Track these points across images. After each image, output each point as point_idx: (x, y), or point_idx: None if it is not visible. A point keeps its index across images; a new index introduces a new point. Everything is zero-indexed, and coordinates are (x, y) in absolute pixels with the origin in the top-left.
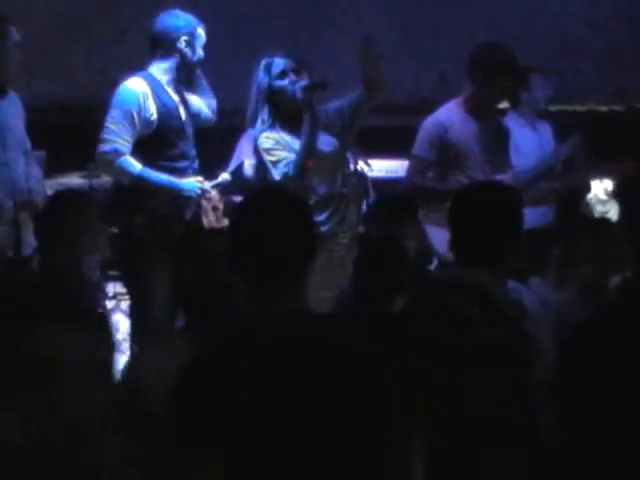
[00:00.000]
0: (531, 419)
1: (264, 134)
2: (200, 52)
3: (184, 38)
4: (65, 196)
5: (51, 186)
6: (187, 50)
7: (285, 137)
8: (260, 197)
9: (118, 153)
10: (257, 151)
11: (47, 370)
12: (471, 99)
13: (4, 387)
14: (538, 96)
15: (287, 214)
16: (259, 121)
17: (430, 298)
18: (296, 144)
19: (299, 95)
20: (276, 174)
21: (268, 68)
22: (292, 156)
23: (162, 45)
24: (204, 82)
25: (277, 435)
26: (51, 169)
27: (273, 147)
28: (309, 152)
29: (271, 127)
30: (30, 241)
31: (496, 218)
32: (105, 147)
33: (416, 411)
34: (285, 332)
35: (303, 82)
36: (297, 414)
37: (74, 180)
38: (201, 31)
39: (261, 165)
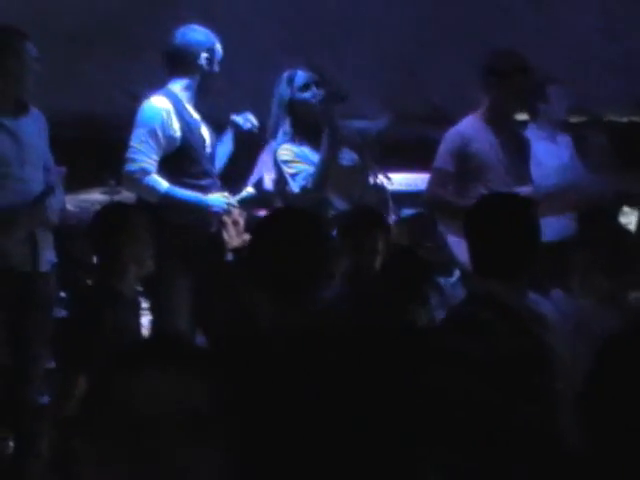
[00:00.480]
0: (555, 428)
1: (283, 146)
2: (216, 67)
3: (205, 54)
4: (118, 209)
5: (72, 202)
6: (207, 66)
7: (305, 150)
8: (279, 217)
9: (145, 172)
10: (276, 163)
11: None
12: (489, 109)
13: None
14: (556, 107)
15: (305, 234)
16: (280, 133)
17: (451, 311)
18: (315, 157)
19: (319, 107)
20: (294, 186)
21: (291, 80)
22: (311, 169)
23: (183, 61)
24: None
25: (293, 446)
26: (72, 185)
27: (292, 159)
28: (328, 165)
29: (292, 140)
30: (48, 257)
31: (513, 229)
32: (132, 167)
33: (437, 427)
34: (301, 345)
35: (322, 95)
36: (312, 424)
37: (95, 196)
38: (219, 46)
39: (281, 177)
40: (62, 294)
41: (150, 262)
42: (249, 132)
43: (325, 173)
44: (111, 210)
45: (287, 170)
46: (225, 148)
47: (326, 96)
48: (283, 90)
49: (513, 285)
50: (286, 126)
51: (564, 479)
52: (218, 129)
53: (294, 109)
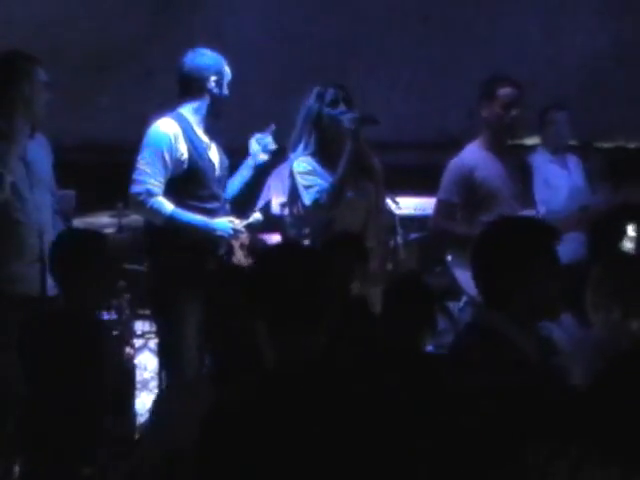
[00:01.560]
0: None
1: (302, 158)
2: (226, 90)
3: (213, 78)
4: (69, 238)
5: (80, 225)
6: (216, 90)
7: (320, 168)
8: (281, 252)
9: (150, 194)
10: (292, 175)
11: None
12: (487, 135)
13: None
14: (563, 131)
15: (307, 270)
16: (301, 146)
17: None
18: (329, 178)
19: (347, 125)
20: (307, 199)
21: (321, 96)
22: (325, 184)
23: (192, 85)
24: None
25: None
26: (80, 208)
27: (309, 172)
28: (344, 182)
29: (312, 154)
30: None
31: (507, 254)
32: (137, 188)
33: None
34: (305, 383)
35: (353, 114)
36: (318, 463)
37: (103, 219)
38: (227, 69)
39: (294, 190)
40: None
41: (110, 289)
42: (271, 154)
43: (340, 190)
44: (63, 239)
45: (302, 182)
46: (245, 173)
47: (360, 116)
48: (312, 104)
49: (510, 314)
50: (309, 139)
51: None
52: (230, 153)
53: (320, 124)
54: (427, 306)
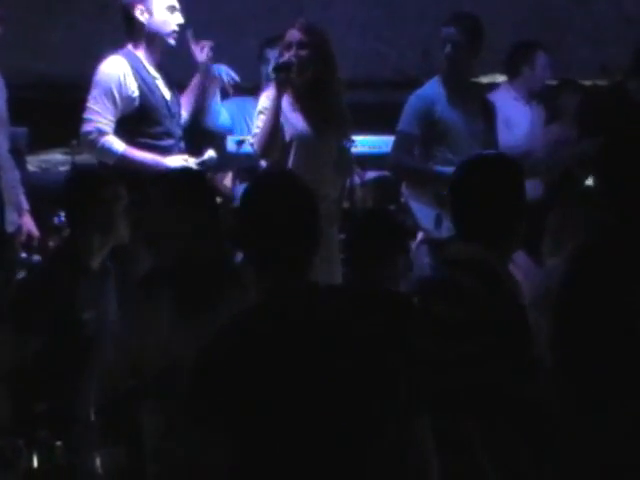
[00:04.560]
0: (529, 393)
1: (269, 92)
2: (165, 17)
3: (140, 6)
4: (86, 178)
5: (34, 162)
6: (144, 17)
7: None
8: (268, 183)
9: (101, 133)
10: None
11: None
12: (447, 72)
13: None
14: (539, 75)
15: (294, 201)
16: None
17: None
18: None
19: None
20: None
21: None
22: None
23: (125, 19)
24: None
25: (286, 408)
26: (34, 145)
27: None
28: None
29: None
30: (13, 218)
31: (502, 192)
32: (87, 127)
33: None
34: (293, 311)
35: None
36: (306, 388)
37: (57, 157)
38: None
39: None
40: (24, 255)
41: (123, 233)
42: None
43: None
44: (78, 178)
45: (256, 122)
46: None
47: (275, 64)
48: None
49: (498, 250)
50: None
51: (548, 442)
52: (182, 89)
53: None
54: (385, 239)
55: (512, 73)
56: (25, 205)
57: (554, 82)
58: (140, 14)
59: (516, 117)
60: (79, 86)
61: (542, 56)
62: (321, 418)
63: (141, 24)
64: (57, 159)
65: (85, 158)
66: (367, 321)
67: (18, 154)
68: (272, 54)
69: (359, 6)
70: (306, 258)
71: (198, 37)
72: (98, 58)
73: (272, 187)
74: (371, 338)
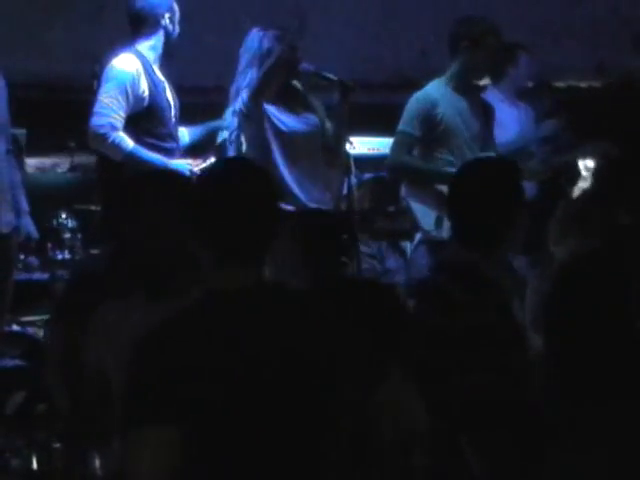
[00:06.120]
0: (521, 401)
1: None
2: (177, 28)
3: (167, 15)
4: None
5: (32, 163)
6: (170, 26)
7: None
8: (225, 169)
9: (113, 128)
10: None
11: None
12: (457, 75)
13: None
14: (523, 73)
15: (252, 188)
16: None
17: (428, 281)
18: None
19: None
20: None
21: (281, 39)
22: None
23: (146, 22)
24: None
25: (235, 406)
26: (32, 146)
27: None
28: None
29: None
30: (9, 219)
31: (496, 196)
32: (100, 121)
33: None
34: (243, 305)
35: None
36: (256, 385)
37: (55, 159)
38: (176, 6)
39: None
40: (21, 256)
41: None
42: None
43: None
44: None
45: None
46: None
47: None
48: (274, 46)
49: (495, 254)
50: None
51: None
52: (179, 93)
53: (285, 72)
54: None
55: (496, 75)
56: (25, 206)
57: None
58: (169, 22)
59: (505, 119)
60: (76, 87)
61: (524, 55)
62: (269, 416)
63: (167, 32)
64: (55, 161)
65: (83, 159)
66: (313, 320)
67: (17, 155)
68: None
69: (356, 7)
70: (259, 254)
71: (192, 37)
72: (95, 59)
73: (228, 174)
74: (315, 336)
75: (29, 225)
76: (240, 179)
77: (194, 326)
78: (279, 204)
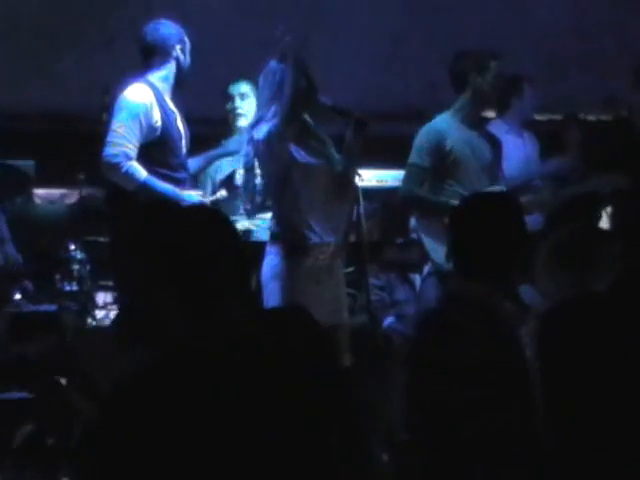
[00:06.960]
0: (530, 436)
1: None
2: (188, 59)
3: (179, 46)
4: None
5: (40, 195)
6: (181, 57)
7: None
8: (185, 214)
9: (127, 157)
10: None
11: None
12: (465, 107)
13: None
14: (528, 104)
15: (211, 231)
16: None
17: (435, 314)
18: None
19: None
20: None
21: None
22: None
23: (158, 53)
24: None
25: (205, 465)
26: (40, 178)
27: None
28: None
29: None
30: None
31: (498, 229)
32: (113, 150)
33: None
34: (212, 357)
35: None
36: (227, 443)
37: (64, 190)
38: (186, 38)
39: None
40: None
41: None
42: None
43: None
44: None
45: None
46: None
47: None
48: (295, 77)
49: (498, 287)
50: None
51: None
52: (189, 123)
53: (305, 104)
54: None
55: (502, 107)
56: (6, 234)
57: (558, 117)
58: (180, 53)
59: (511, 150)
60: (86, 118)
61: (529, 86)
62: (238, 465)
63: (179, 62)
64: (64, 192)
65: (91, 191)
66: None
67: (25, 186)
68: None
69: (366, 39)
70: (220, 301)
71: (202, 67)
72: (105, 90)
73: (191, 219)
74: (293, 382)
75: (13, 252)
76: (196, 226)
77: (157, 387)
78: (238, 247)
